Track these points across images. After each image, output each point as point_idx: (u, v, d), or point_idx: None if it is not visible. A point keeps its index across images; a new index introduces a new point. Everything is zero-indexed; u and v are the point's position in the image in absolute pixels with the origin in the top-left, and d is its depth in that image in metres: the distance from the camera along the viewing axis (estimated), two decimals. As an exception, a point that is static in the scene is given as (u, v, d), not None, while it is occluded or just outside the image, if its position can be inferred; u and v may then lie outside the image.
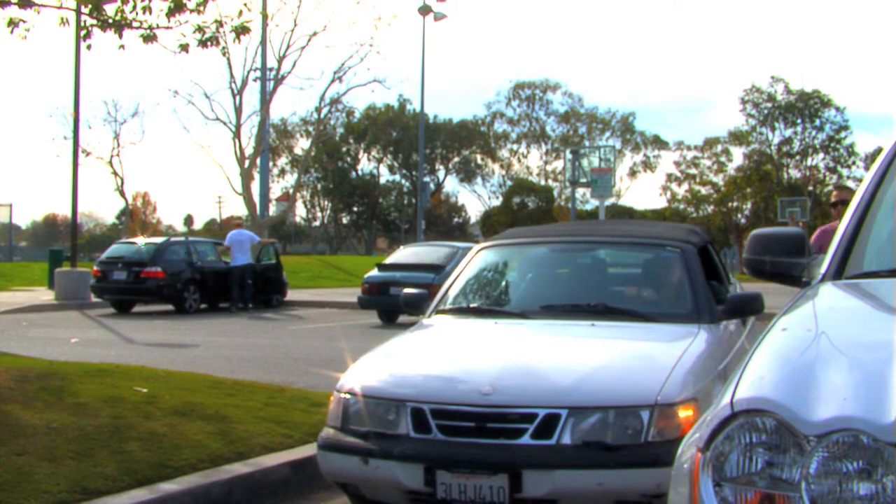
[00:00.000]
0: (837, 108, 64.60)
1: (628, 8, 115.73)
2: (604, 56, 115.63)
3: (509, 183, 74.77)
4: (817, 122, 64.67)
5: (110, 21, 8.17)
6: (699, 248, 5.73)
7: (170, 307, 19.71)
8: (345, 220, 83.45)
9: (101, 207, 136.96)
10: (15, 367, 7.00)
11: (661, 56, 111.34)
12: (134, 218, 67.86)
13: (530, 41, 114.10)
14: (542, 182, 73.67)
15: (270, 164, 51.69)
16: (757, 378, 2.12)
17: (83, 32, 8.45)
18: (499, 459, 3.97)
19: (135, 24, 8.28)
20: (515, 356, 4.58)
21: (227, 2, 31.61)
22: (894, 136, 3.46)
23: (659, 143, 73.32)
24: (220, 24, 8.69)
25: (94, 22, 8.25)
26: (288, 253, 58.93)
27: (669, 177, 69.14)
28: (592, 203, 57.16)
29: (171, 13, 8.26)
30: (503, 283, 6.10)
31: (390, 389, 4.35)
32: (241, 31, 8.87)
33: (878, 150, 11.02)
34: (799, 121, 64.76)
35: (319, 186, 79.33)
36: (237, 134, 35.87)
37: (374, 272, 17.49)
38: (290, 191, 59.62)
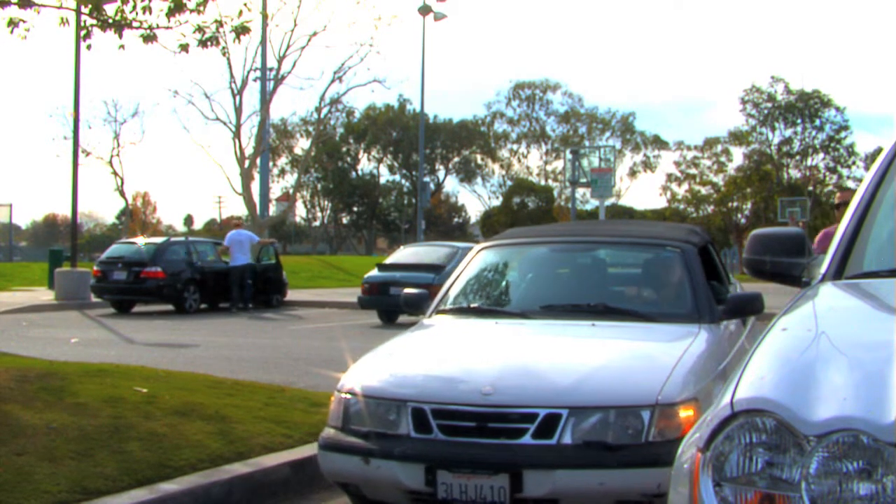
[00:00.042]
0: (837, 108, 64.67)
1: (628, 8, 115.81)
2: (604, 56, 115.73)
3: (509, 183, 74.79)
4: (817, 122, 64.68)
5: (110, 21, 8.17)
6: (699, 248, 5.74)
7: (170, 307, 19.71)
8: (345, 220, 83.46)
9: (101, 207, 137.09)
10: (15, 367, 7.00)
11: (661, 56, 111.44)
12: (134, 218, 67.87)
13: (530, 41, 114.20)
14: (542, 182, 73.68)
15: (270, 164, 51.67)
16: (757, 378, 2.12)
17: (83, 32, 8.45)
18: (500, 459, 3.98)
19: (135, 24, 8.28)
20: (516, 356, 4.58)
21: (227, 2, 31.63)
22: (894, 136, 3.46)
23: (659, 143, 73.34)
24: (220, 24, 8.69)
25: (94, 22, 8.25)
26: (288, 253, 58.95)
27: (669, 177, 69.20)
28: (592, 203, 57.19)
29: (171, 13, 8.26)
30: (503, 284, 6.10)
31: (391, 389, 4.35)
32: (241, 31, 8.87)
33: (878, 150, 11.03)
34: (799, 121, 64.77)
35: (319, 186, 79.34)
36: (237, 134, 35.86)
37: (374, 272, 17.49)
38: (290, 191, 59.65)
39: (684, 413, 4.04)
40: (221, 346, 12.79)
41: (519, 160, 76.62)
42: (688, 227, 6.43)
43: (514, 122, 76.10)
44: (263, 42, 34.30)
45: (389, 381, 4.44)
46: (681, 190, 68.74)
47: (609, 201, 51.30)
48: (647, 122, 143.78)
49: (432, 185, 69.53)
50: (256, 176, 36.83)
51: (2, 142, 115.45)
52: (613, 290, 5.90)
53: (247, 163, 35.76)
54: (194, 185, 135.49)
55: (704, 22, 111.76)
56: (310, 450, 5.50)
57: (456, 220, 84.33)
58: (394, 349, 4.94)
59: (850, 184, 60.24)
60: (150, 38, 8.45)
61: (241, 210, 58.31)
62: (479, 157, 79.26)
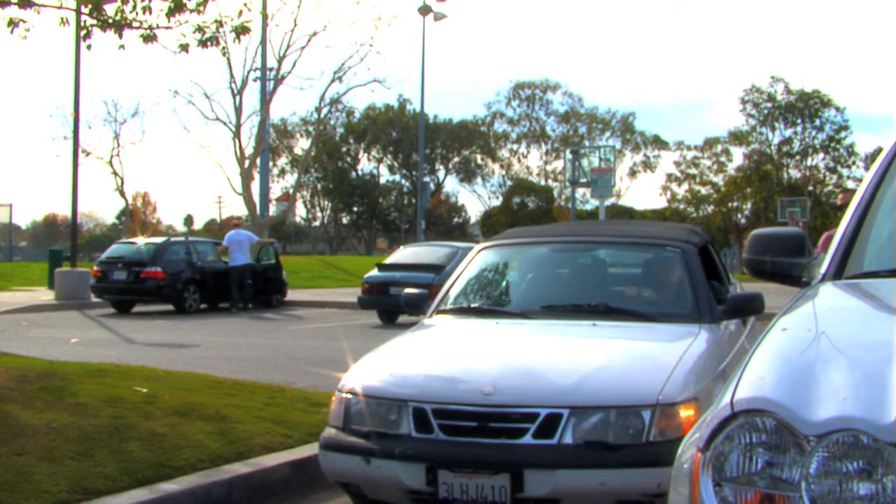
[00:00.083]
0: (837, 108, 64.63)
1: (628, 8, 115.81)
2: (604, 56, 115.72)
3: (509, 183, 74.79)
4: (817, 122, 64.65)
5: (110, 21, 8.17)
6: (700, 248, 5.74)
7: (170, 307, 19.71)
8: (345, 220, 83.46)
9: (101, 207, 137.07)
10: (15, 367, 7.00)
11: (661, 56, 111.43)
12: (134, 218, 67.86)
13: (530, 41, 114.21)
14: (542, 182, 73.68)
15: (270, 164, 51.67)
16: (757, 378, 2.12)
17: (83, 32, 8.45)
18: (500, 459, 3.98)
19: (135, 24, 8.29)
20: (517, 356, 4.58)
21: (227, 2, 31.64)
22: (894, 136, 3.46)
23: (659, 143, 73.33)
24: (220, 24, 8.69)
25: (94, 22, 8.25)
26: (288, 253, 58.94)
27: (669, 177, 69.19)
28: (592, 203, 57.18)
29: (171, 13, 8.26)
30: (504, 283, 6.11)
31: (392, 389, 4.35)
32: (241, 31, 8.87)
33: (878, 150, 11.03)
34: (799, 121, 64.74)
35: (319, 186, 79.34)
36: (237, 134, 35.86)
37: (374, 272, 17.49)
38: (290, 191, 59.63)
39: (685, 413, 4.04)
40: (221, 346, 12.79)
41: (519, 160, 76.69)
42: (688, 227, 6.43)
43: (514, 122, 76.12)
44: (263, 42, 34.32)
45: (390, 381, 4.44)
46: (681, 190, 68.79)
47: (609, 201, 51.30)
48: (647, 122, 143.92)
49: (432, 185, 69.54)
50: (256, 176, 36.83)
51: (2, 142, 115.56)
52: (614, 290, 5.90)
53: (247, 163, 35.76)
54: (194, 185, 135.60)
55: (704, 22, 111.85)
56: (310, 450, 5.51)
57: (456, 220, 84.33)
58: (394, 349, 4.94)
59: (851, 184, 60.19)
60: (150, 38, 8.45)
61: (241, 210, 58.37)
62: (479, 157, 79.26)
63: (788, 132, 65.47)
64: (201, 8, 8.32)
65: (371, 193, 79.92)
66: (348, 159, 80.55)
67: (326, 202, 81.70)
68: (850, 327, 2.43)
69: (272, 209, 43.69)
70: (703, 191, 67.70)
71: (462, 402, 4.14)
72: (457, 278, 5.82)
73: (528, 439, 4.01)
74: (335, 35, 75.32)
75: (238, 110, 35.90)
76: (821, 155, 65.45)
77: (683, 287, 5.39)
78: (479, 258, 5.99)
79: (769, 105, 65.12)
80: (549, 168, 74.94)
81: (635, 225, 8.87)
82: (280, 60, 35.63)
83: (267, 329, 16.11)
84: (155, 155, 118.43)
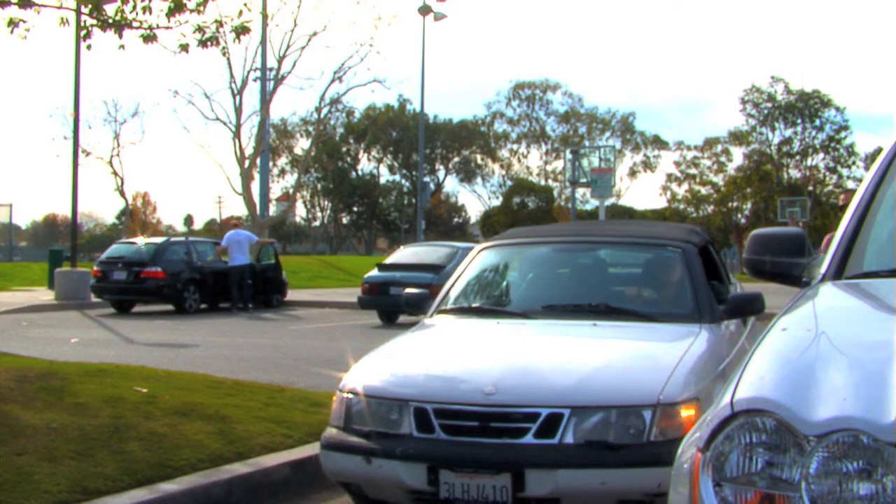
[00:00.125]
0: (837, 108, 64.64)
1: (628, 8, 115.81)
2: (604, 56, 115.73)
3: (509, 183, 74.78)
4: (817, 122, 64.64)
5: (110, 21, 8.17)
6: (700, 248, 5.74)
7: (170, 307, 19.71)
8: (345, 220, 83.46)
9: (101, 207, 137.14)
10: (15, 367, 7.00)
11: (661, 56, 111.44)
12: (134, 218, 67.85)
13: (530, 41, 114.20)
14: (542, 182, 73.67)
15: (270, 164, 51.66)
16: (757, 378, 2.12)
17: (83, 32, 8.45)
18: (502, 459, 3.98)
19: (135, 24, 8.28)
20: (518, 356, 4.59)
21: (227, 2, 31.64)
22: (894, 136, 3.46)
23: (659, 143, 73.33)
24: (220, 24, 8.69)
25: (94, 22, 8.25)
26: (288, 253, 58.94)
27: (669, 177, 69.18)
28: (592, 203, 57.19)
29: (171, 13, 8.26)
30: (505, 283, 6.11)
31: (393, 389, 4.36)
32: (241, 31, 8.87)
33: (878, 150, 11.03)
34: (799, 121, 64.74)
35: (319, 186, 79.34)
36: (237, 134, 35.86)
37: (374, 272, 17.49)
38: (290, 191, 59.64)
39: (686, 413, 4.04)
40: (221, 346, 12.79)
41: (519, 160, 76.69)
42: (688, 227, 6.44)
43: (514, 122, 76.12)
44: (263, 42, 34.31)
45: (391, 381, 4.44)
46: (681, 190, 68.78)
47: (609, 201, 51.29)
48: (647, 122, 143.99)
49: (432, 185, 69.52)
50: (256, 176, 36.82)
51: (2, 142, 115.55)
52: (614, 290, 5.90)
53: (247, 163, 35.76)
54: (194, 185, 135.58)
55: (704, 22, 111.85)
56: (310, 450, 5.51)
57: (456, 220, 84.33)
58: (395, 349, 4.94)
59: (851, 184, 60.20)
60: (150, 38, 8.45)
61: (241, 210, 58.35)
62: (479, 157, 79.26)
63: (788, 132, 65.52)
64: (201, 8, 8.32)
65: (371, 193, 79.92)
66: (348, 159, 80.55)
67: (326, 202, 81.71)
68: (850, 327, 2.43)
69: (272, 209, 43.68)
70: (703, 191, 67.70)
71: (463, 401, 4.14)
72: (457, 278, 5.82)
73: (529, 439, 4.01)
74: (335, 35, 75.32)
75: (238, 110, 35.91)
76: (821, 155, 65.48)
77: (684, 287, 5.39)
78: (479, 258, 5.99)
79: (769, 105, 65.12)
80: (549, 168, 75.01)
81: (636, 225, 8.88)
82: (280, 60, 35.63)
83: (267, 329, 16.11)
84: (155, 155, 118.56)
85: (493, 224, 65.24)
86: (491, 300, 5.79)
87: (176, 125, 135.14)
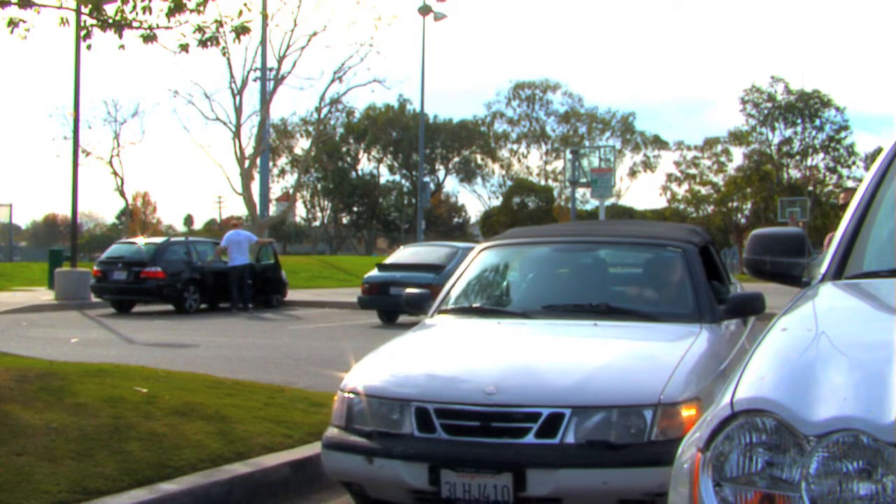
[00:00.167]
0: (837, 108, 64.62)
1: (628, 8, 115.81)
2: (604, 56, 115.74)
3: (509, 183, 74.77)
4: (817, 122, 64.63)
5: (110, 21, 8.16)
6: (700, 248, 5.74)
7: (170, 307, 19.71)
8: (345, 220, 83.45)
9: (101, 207, 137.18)
10: (15, 367, 7.00)
11: (661, 56, 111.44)
12: (134, 218, 67.85)
13: (530, 41, 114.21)
14: (542, 182, 73.67)
15: (270, 164, 51.70)
16: (757, 378, 2.12)
17: (83, 32, 8.45)
18: (503, 458, 3.99)
19: (135, 24, 8.28)
20: (519, 356, 4.59)
21: (227, 2, 31.65)
22: (894, 136, 3.46)
23: (659, 143, 73.33)
24: (220, 24, 8.69)
25: (94, 22, 8.25)
26: (288, 253, 58.95)
27: (669, 177, 69.18)
28: (592, 203, 57.20)
29: (171, 13, 8.25)
30: (505, 283, 6.11)
31: (394, 389, 4.36)
32: (241, 31, 8.87)
33: (878, 150, 11.03)
34: (799, 121, 64.73)
35: (319, 186, 79.34)
36: (237, 134, 35.89)
37: (374, 272, 17.49)
38: (290, 191, 59.66)
39: (686, 412, 4.05)
40: (221, 346, 12.79)
41: (519, 160, 76.68)
42: (688, 227, 6.44)
43: (514, 122, 76.12)
44: (263, 42, 34.35)
45: (392, 381, 4.45)
46: (681, 190, 68.78)
47: (609, 201, 51.30)
48: (647, 122, 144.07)
49: (432, 185, 69.53)
50: (256, 176, 36.86)
51: (2, 142, 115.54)
52: (615, 290, 5.91)
53: (247, 163, 35.78)
54: (194, 185, 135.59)
55: (704, 22, 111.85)
56: (310, 450, 5.51)
57: (456, 220, 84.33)
58: (396, 349, 4.94)
59: (851, 184, 60.19)
60: (150, 38, 8.45)
61: (241, 210, 58.37)
62: (479, 157, 79.25)
63: (788, 132, 65.51)
64: (201, 8, 8.32)
65: (371, 193, 79.91)
66: (348, 159, 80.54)
67: (326, 202, 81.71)
68: (850, 327, 2.43)
69: (272, 209, 43.72)
70: (703, 191, 67.70)
71: (464, 401, 4.15)
72: (458, 278, 5.82)
73: (530, 439, 4.01)
74: (335, 35, 75.51)
75: (238, 110, 35.94)
76: (821, 155, 65.47)
77: (684, 287, 5.39)
78: (480, 258, 5.99)
79: (769, 105, 65.11)
80: (549, 168, 75.00)
81: (636, 225, 8.88)
82: (280, 60, 35.67)
83: (267, 329, 16.11)
84: (155, 155, 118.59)
85: (493, 224, 65.24)
86: (492, 300, 5.79)
87: (176, 125, 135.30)
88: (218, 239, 21.60)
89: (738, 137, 66.65)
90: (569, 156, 40.28)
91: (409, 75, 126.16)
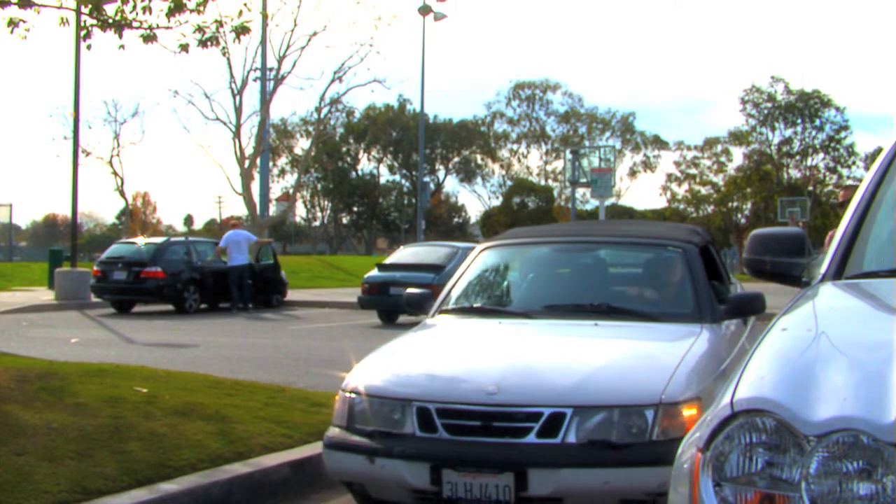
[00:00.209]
0: (837, 108, 64.61)
1: (628, 8, 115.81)
2: (604, 56, 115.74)
3: (509, 183, 74.78)
4: (817, 122, 64.63)
5: (110, 21, 8.16)
6: (701, 248, 5.75)
7: (170, 307, 19.71)
8: (345, 220, 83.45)
9: (101, 207, 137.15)
10: (15, 367, 7.00)
11: (661, 56, 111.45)
12: (134, 218, 67.85)
13: (530, 41, 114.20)
14: (542, 182, 73.67)
15: (270, 164, 51.70)
16: (757, 378, 2.12)
17: (83, 32, 8.45)
18: (504, 458, 3.99)
19: (135, 24, 8.28)
20: (520, 356, 4.59)
21: (227, 2, 31.66)
22: (894, 136, 3.46)
23: (659, 143, 73.33)
24: (220, 24, 8.69)
25: (94, 22, 8.25)
26: (288, 253, 58.95)
27: (669, 177, 69.18)
28: (592, 203, 57.20)
29: (171, 13, 8.25)
30: (506, 283, 6.11)
31: (396, 389, 4.36)
32: (241, 31, 8.87)
33: (878, 150, 11.03)
34: (799, 121, 64.72)
35: (319, 186, 79.34)
36: (237, 134, 35.90)
37: (374, 272, 17.49)
38: (290, 191, 59.66)
39: (688, 412, 4.05)
40: (221, 346, 12.79)
41: (519, 160, 76.68)
42: (689, 227, 6.45)
43: (514, 122, 76.11)
44: (263, 42, 34.37)
45: (394, 381, 4.45)
46: (681, 190, 68.79)
47: (609, 201, 51.30)
48: (647, 122, 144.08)
49: (432, 185, 69.52)
50: (256, 176, 36.87)
51: (2, 142, 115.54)
52: (616, 290, 5.91)
53: (247, 163, 35.79)
54: (194, 185, 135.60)
55: (704, 22, 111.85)
56: (310, 450, 5.51)
57: (456, 220, 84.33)
58: (398, 349, 4.95)
59: (850, 183, 60.18)
60: (150, 38, 8.45)
61: (241, 210, 58.37)
62: (479, 157, 79.26)
63: (788, 132, 65.50)
64: (201, 8, 8.32)
65: (371, 193, 79.91)
66: (348, 159, 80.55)
67: (326, 202, 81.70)
68: (850, 327, 2.43)
69: (272, 209, 43.72)
70: (703, 191, 67.70)
71: (466, 401, 4.15)
72: (459, 278, 5.83)
73: (531, 438, 4.02)
74: (335, 35, 75.54)
75: (238, 110, 35.95)
76: (821, 155, 65.46)
77: (685, 287, 5.40)
78: (480, 258, 5.99)
79: (769, 105, 65.11)
80: (549, 168, 75.00)
81: (636, 225, 8.89)
82: (280, 60, 35.68)
83: (267, 329, 16.11)
84: (155, 155, 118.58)
85: (493, 224, 65.24)
86: (492, 300, 5.80)
87: (176, 125, 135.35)
88: (218, 239, 21.59)
89: (738, 137, 66.65)
90: (569, 156, 40.29)
91: (409, 75, 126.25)
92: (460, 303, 5.61)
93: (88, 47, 8.64)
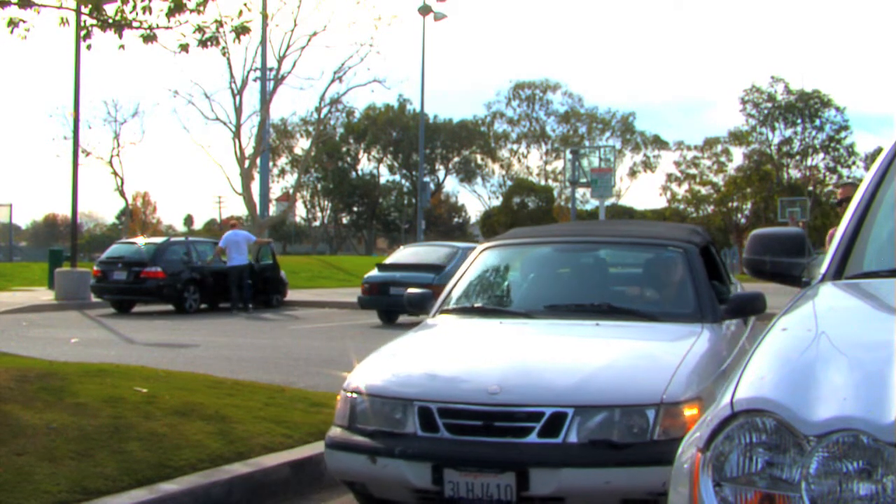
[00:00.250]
0: (837, 108, 64.63)
1: (628, 8, 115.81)
2: (604, 56, 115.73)
3: (509, 183, 74.77)
4: (817, 122, 64.64)
5: (110, 21, 8.16)
6: (701, 248, 5.75)
7: (170, 307, 19.71)
8: (345, 220, 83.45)
9: (101, 207, 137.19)
10: (15, 367, 7.00)
11: (661, 56, 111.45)
12: (134, 218, 67.85)
13: (530, 41, 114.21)
14: (542, 182, 73.66)
15: (270, 164, 51.70)
16: (757, 378, 2.12)
17: (83, 32, 8.44)
18: (506, 458, 4.00)
19: (135, 24, 8.28)
20: (521, 355, 4.60)
21: (227, 2, 31.67)
22: (894, 136, 3.46)
23: (659, 143, 73.32)
24: (220, 24, 8.69)
25: (94, 22, 8.25)
26: (288, 253, 58.95)
27: (669, 177, 69.18)
28: (592, 203, 57.20)
29: (171, 13, 8.25)
30: (507, 283, 6.12)
31: (397, 388, 4.37)
32: (241, 31, 8.86)
33: (878, 150, 11.03)
34: (799, 121, 64.73)
35: (319, 186, 79.34)
36: (237, 134, 35.90)
37: (374, 272, 17.49)
38: (290, 191, 59.66)
39: (689, 412, 4.06)
40: (221, 346, 12.79)
41: (519, 160, 76.68)
42: (689, 227, 6.45)
43: (514, 122, 76.11)
44: (263, 42, 34.37)
45: (395, 381, 4.45)
46: (681, 190, 68.79)
47: (609, 201, 51.30)
48: (647, 122, 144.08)
49: (432, 185, 69.53)
50: (256, 176, 36.88)
51: (2, 142, 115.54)
52: (617, 290, 5.92)
53: (247, 163, 35.79)
54: (194, 185, 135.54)
55: (704, 22, 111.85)
56: (310, 450, 5.51)
57: (456, 220, 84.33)
58: (399, 349, 4.95)
59: (848, 180, 60.10)
60: (150, 38, 8.45)
61: (241, 210, 58.36)
62: (479, 157, 79.25)
63: (788, 132, 65.52)
64: (201, 8, 8.31)
65: (371, 193, 79.91)
66: (348, 159, 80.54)
67: (326, 202, 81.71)
68: (850, 327, 2.43)
69: (272, 209, 43.73)
70: (703, 191, 67.70)
71: (467, 401, 4.16)
72: (460, 278, 5.83)
73: (533, 438, 4.02)
74: (335, 35, 75.54)
75: (238, 110, 35.95)
76: (821, 155, 65.48)
77: (686, 287, 5.40)
78: (481, 258, 6.00)
79: (769, 105, 65.12)
80: (549, 168, 75.00)
81: (637, 225, 8.89)
82: (280, 60, 35.68)
83: (267, 329, 16.12)
84: (155, 155, 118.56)
85: (493, 224, 65.24)
86: (493, 300, 5.80)
87: (176, 125, 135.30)
88: (218, 239, 21.60)
89: (738, 137, 66.65)
90: (569, 156, 40.30)
91: (409, 75, 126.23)
92: (461, 303, 5.61)
93: (88, 47, 8.64)
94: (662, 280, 5.75)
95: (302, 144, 73.19)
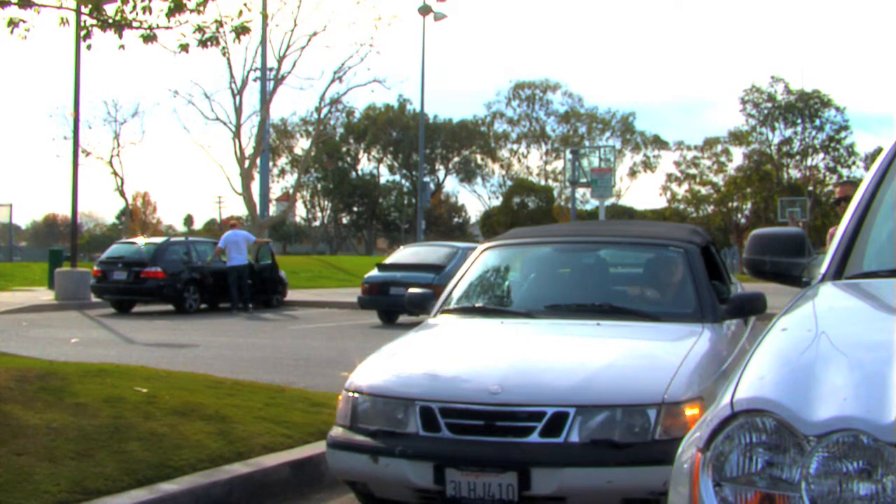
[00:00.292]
0: (837, 108, 64.60)
1: (628, 8, 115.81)
2: (604, 56, 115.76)
3: (509, 183, 74.78)
4: (817, 122, 64.62)
5: (110, 21, 8.16)
6: (702, 248, 5.75)
7: (170, 307, 19.70)
8: (345, 220, 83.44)
9: (101, 207, 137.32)
10: (15, 367, 7.00)
11: (661, 56, 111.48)
12: (134, 218, 67.89)
13: (530, 41, 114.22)
14: (542, 182, 73.67)
15: (270, 164, 51.70)
16: (757, 378, 2.12)
17: (83, 32, 8.44)
18: (507, 457, 4.00)
19: (135, 24, 8.27)
20: (523, 355, 4.60)
21: (227, 2, 31.66)
22: (894, 136, 3.46)
23: (659, 143, 73.33)
24: (220, 24, 8.68)
25: (94, 22, 8.24)
26: (288, 253, 58.96)
27: (669, 177, 69.18)
28: (592, 203, 57.22)
29: (171, 13, 8.25)
30: (508, 283, 6.12)
31: (399, 388, 4.37)
32: (241, 31, 8.86)
33: (878, 150, 11.03)
34: (799, 121, 64.72)
35: (319, 186, 79.34)
36: (237, 134, 35.90)
37: (374, 272, 17.49)
38: (290, 191, 59.70)
39: (690, 412, 4.06)
40: (221, 346, 12.79)
41: (519, 160, 76.68)
42: (690, 227, 6.46)
43: (514, 122, 76.10)
44: (263, 42, 34.37)
45: (397, 380, 4.45)
46: (681, 190, 68.79)
47: (609, 201, 51.30)
48: (647, 122, 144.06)
49: (432, 185, 69.53)
50: (256, 176, 36.87)
51: (2, 142, 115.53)
52: (617, 290, 5.92)
53: (247, 163, 35.78)
54: (194, 185, 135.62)
55: (704, 22, 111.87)
56: (310, 450, 5.51)
57: (456, 220, 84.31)
58: (401, 348, 4.96)
59: (845, 179, 60.11)
60: (150, 38, 8.44)
61: (241, 210, 58.36)
62: (479, 157, 79.25)
63: (788, 132, 65.49)
64: (201, 8, 8.31)
65: (371, 193, 79.90)
66: (348, 159, 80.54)
67: (326, 202, 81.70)
68: (850, 327, 2.43)
69: (272, 209, 43.74)
70: (703, 191, 67.70)
71: (469, 400, 4.16)
72: (460, 278, 5.83)
73: (534, 438, 4.03)
74: (335, 35, 75.68)
75: (238, 110, 35.95)
76: (821, 155, 65.46)
77: (686, 287, 5.40)
78: (482, 258, 6.00)
79: (769, 105, 65.10)
80: (549, 168, 75.00)
81: (637, 225, 8.91)
82: (280, 60, 35.68)
83: (267, 329, 16.11)
84: (155, 155, 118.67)
85: (493, 224, 65.25)
86: (494, 300, 5.81)
87: (176, 125, 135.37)
88: (217, 239, 21.60)
89: (738, 137, 66.64)
90: (569, 156, 40.30)
91: (409, 75, 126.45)
92: (462, 303, 5.61)
93: (88, 47, 8.64)
94: (663, 280, 5.75)
95: (302, 144, 73.26)
